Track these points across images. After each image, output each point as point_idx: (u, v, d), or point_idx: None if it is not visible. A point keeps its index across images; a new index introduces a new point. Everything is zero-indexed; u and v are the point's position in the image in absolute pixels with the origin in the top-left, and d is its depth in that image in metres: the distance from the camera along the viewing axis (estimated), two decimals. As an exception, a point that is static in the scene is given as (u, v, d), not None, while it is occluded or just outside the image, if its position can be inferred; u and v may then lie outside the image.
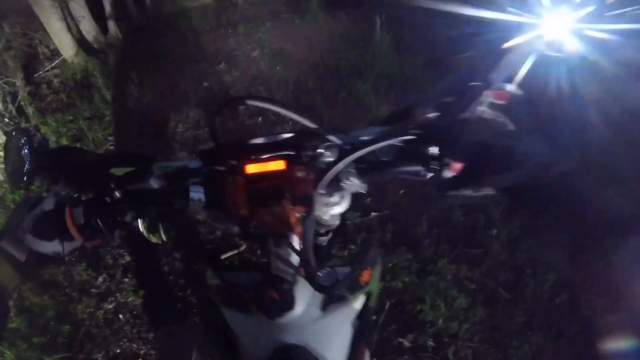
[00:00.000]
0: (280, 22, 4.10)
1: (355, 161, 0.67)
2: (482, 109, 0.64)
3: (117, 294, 2.09)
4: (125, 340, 1.94)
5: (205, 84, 3.39)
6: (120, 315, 2.01)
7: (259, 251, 1.52)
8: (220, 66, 3.56)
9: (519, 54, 0.60)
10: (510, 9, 0.59)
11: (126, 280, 2.15)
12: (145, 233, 0.75)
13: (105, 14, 4.00)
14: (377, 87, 2.92)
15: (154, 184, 0.69)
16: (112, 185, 0.68)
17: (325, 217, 0.76)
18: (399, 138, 0.65)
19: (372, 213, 2.14)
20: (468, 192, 0.59)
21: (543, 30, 0.59)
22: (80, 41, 3.83)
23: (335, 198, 0.72)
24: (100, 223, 0.67)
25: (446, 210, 2.21)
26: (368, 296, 0.71)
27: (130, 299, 2.06)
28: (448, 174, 0.60)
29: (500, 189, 0.57)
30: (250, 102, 0.68)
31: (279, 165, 0.68)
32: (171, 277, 2.14)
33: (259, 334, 0.64)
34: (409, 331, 1.79)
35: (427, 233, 2.09)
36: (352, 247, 1.41)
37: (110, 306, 2.04)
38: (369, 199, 2.24)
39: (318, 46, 3.57)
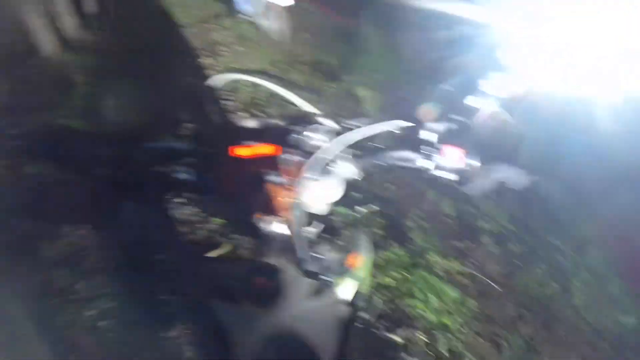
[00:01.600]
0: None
1: (350, 147, 0.66)
2: (487, 102, 0.64)
3: (99, 300, 2.01)
4: (109, 348, 1.87)
5: (188, 78, 3.30)
6: (104, 322, 1.94)
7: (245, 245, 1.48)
8: (205, 60, 3.48)
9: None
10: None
11: (108, 284, 2.07)
12: None
13: (86, 9, 3.89)
14: (365, 79, 2.88)
15: (137, 163, 0.69)
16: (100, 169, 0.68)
17: (317, 204, 0.75)
18: (393, 125, 0.64)
19: (362, 208, 2.11)
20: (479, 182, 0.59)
21: None
22: (62, 38, 3.73)
23: (328, 185, 0.72)
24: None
25: (435, 204, 2.19)
26: (358, 281, 0.72)
27: (113, 304, 1.98)
28: (440, 158, 0.60)
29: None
30: (242, 76, 0.71)
31: (269, 148, 0.67)
32: (155, 279, 2.07)
33: (250, 322, 0.63)
34: (400, 326, 1.76)
35: (417, 227, 2.07)
36: (341, 237, 1.38)
37: (92, 312, 1.97)
38: (358, 194, 2.20)
39: (307, 38, 3.52)
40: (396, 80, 2.90)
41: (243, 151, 0.67)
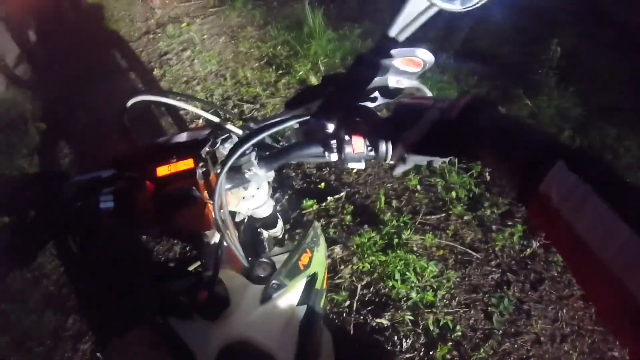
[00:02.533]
0: (210, 16, 3.92)
1: (257, 149, 0.66)
2: (397, 79, 0.62)
3: (90, 332, 1.95)
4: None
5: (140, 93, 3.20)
6: (98, 354, 1.87)
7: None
8: (154, 72, 3.37)
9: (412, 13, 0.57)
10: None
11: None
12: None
13: (30, 40, 3.75)
14: (316, 66, 2.82)
15: (64, 199, 0.67)
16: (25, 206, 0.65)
17: (247, 210, 0.77)
18: (292, 121, 0.63)
19: (328, 197, 2.06)
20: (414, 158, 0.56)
21: None
22: (10, 76, 3.59)
23: (250, 190, 0.72)
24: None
25: (402, 180, 2.16)
26: (311, 278, 0.71)
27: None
28: (349, 149, 0.57)
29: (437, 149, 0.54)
30: (143, 98, 0.69)
31: (188, 164, 0.66)
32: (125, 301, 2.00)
33: (204, 336, 0.62)
34: (385, 310, 1.74)
35: (386, 207, 2.04)
36: (288, 237, 1.35)
37: (86, 346, 1.90)
38: (322, 184, 2.16)
39: (252, 34, 3.43)
40: (346, 60, 2.85)
41: (163, 169, 0.66)
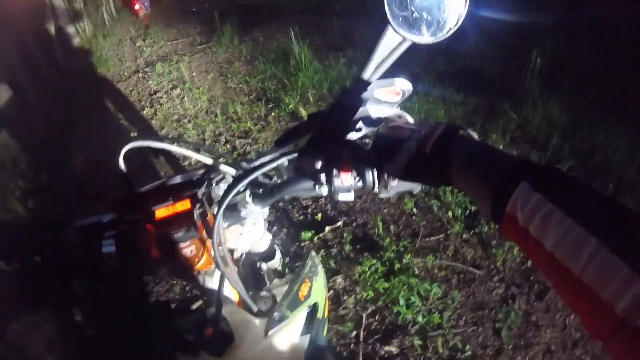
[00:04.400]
0: (198, 53, 4.00)
1: (251, 187, 0.69)
2: (379, 108, 0.65)
3: None
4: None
5: (132, 134, 3.22)
6: None
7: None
8: (145, 111, 3.41)
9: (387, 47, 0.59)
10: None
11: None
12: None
13: (20, 83, 3.77)
14: (304, 97, 2.88)
15: (68, 245, 0.68)
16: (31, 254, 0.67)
17: (245, 246, 0.79)
18: (282, 159, 0.65)
19: (326, 227, 2.08)
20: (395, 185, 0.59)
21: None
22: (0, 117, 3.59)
23: (247, 226, 0.74)
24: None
25: (398, 205, 2.18)
26: (312, 308, 0.73)
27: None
28: (338, 182, 0.60)
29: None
30: (136, 145, 0.70)
31: (185, 205, 0.67)
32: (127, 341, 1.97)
33: None
34: (393, 336, 1.73)
35: (385, 233, 2.05)
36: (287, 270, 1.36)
37: None
38: (319, 215, 2.17)
39: (240, 70, 3.50)
40: (335, 89, 2.91)
41: (162, 211, 0.68)
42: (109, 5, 5.38)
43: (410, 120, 0.65)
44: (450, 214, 2.08)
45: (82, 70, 4.19)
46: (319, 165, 0.62)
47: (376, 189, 0.59)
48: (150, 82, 3.76)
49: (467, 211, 2.10)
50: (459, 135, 0.52)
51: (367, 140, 0.67)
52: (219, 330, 0.65)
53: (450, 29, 0.53)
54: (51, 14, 4.08)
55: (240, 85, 3.29)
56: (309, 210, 2.23)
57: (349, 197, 0.61)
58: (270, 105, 2.97)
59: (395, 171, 0.56)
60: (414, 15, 0.53)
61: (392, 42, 0.56)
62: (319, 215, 2.17)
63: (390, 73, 0.60)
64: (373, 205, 2.22)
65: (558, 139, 2.41)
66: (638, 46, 2.84)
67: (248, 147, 2.70)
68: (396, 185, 0.58)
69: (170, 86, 3.61)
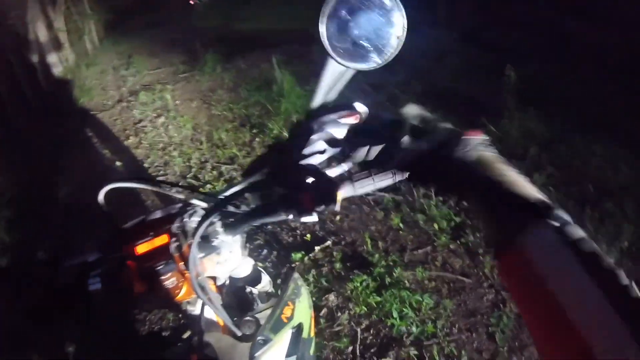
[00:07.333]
0: (181, 82, 4.06)
1: (222, 217, 0.71)
2: (339, 130, 0.66)
3: None
4: None
5: (117, 162, 3.22)
6: None
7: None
8: (130, 140, 3.42)
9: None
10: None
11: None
12: None
13: (3, 110, 3.74)
14: (288, 122, 2.94)
15: (60, 285, 0.71)
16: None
17: (225, 273, 0.81)
18: (248, 188, 0.68)
19: (315, 247, 2.10)
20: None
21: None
22: None
23: (223, 255, 0.75)
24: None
25: (384, 221, 2.23)
26: (297, 329, 0.75)
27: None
28: (300, 206, 0.62)
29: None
30: (113, 186, 0.73)
31: (163, 239, 0.71)
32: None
33: None
34: (389, 349, 1.74)
35: (374, 249, 2.09)
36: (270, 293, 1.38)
37: None
38: (308, 235, 2.20)
39: (223, 97, 3.56)
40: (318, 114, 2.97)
41: (143, 247, 0.71)
42: (91, 34, 5.43)
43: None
44: (436, 226, 2.13)
45: (65, 99, 4.18)
46: (282, 191, 0.65)
47: (337, 208, 0.61)
48: (134, 111, 3.79)
49: (452, 222, 2.16)
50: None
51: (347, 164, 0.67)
52: (204, 357, 0.67)
53: (391, 53, 0.55)
54: (35, 44, 4.10)
55: (225, 112, 3.34)
56: (298, 231, 2.26)
57: (312, 218, 0.63)
58: (255, 131, 3.02)
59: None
60: (353, 45, 0.56)
61: (336, 71, 0.59)
62: (308, 235, 2.20)
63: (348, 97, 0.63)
64: (360, 223, 2.27)
65: (535, 149, 2.52)
66: (608, 58, 3.01)
67: (234, 173, 2.73)
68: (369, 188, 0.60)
69: (154, 115, 3.64)
